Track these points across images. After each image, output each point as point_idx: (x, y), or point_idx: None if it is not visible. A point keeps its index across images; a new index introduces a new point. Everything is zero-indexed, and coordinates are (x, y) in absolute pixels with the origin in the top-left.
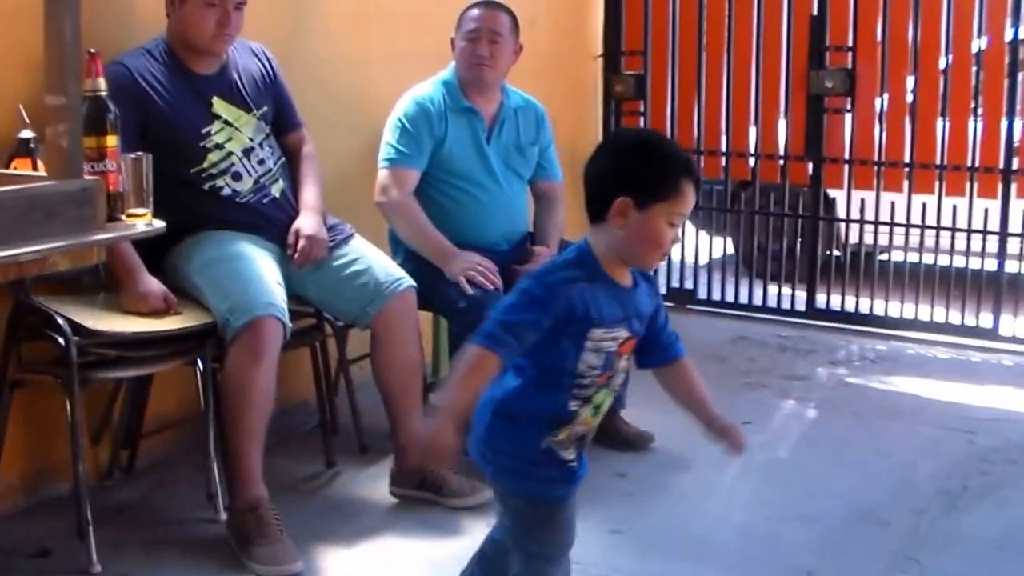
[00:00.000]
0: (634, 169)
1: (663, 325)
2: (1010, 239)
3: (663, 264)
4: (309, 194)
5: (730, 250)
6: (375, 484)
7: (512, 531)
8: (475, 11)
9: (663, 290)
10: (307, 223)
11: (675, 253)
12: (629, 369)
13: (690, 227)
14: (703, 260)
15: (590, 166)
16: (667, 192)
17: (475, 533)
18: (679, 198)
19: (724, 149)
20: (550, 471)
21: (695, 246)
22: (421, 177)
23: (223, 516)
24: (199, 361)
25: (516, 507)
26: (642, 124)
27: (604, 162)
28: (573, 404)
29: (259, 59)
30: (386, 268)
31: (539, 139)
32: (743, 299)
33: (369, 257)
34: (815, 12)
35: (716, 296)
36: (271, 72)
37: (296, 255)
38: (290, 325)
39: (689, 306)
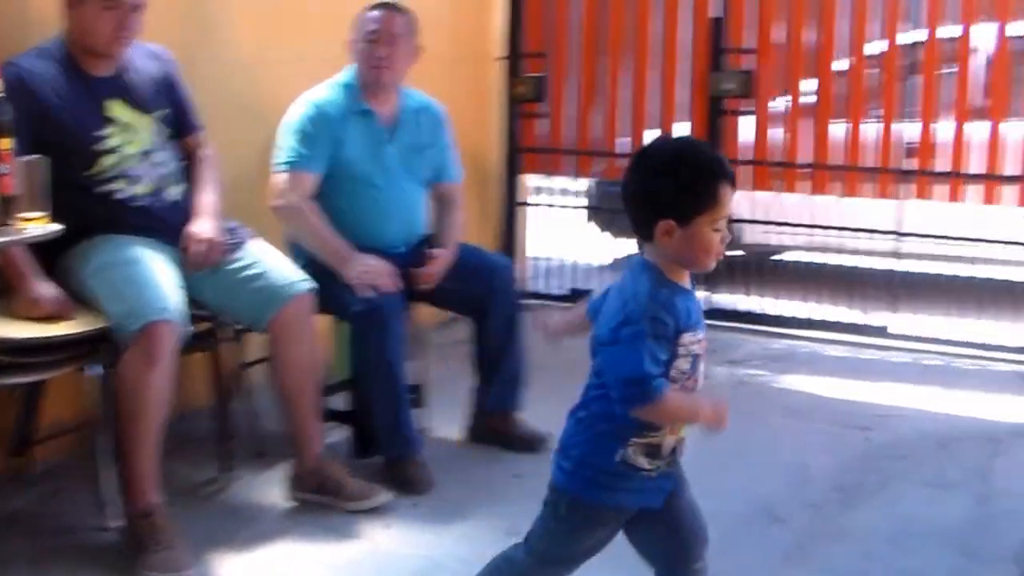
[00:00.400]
0: (669, 192)
1: None
2: (904, 239)
3: (568, 265)
4: (206, 197)
5: (632, 251)
6: (272, 488)
7: (535, 527)
8: (373, 13)
9: (565, 292)
10: (204, 226)
11: (577, 255)
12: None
13: (593, 228)
14: (606, 261)
15: (626, 188)
16: (705, 205)
17: (373, 536)
18: (718, 206)
19: (624, 151)
20: (625, 483)
21: (595, 247)
22: (320, 180)
23: (113, 524)
24: (93, 367)
25: (559, 506)
26: (541, 127)
27: (639, 185)
28: None
29: (158, 61)
30: (283, 271)
31: (438, 141)
32: None
33: (266, 260)
34: (715, 15)
35: None
36: (170, 75)
37: (192, 258)
38: (186, 329)
39: None
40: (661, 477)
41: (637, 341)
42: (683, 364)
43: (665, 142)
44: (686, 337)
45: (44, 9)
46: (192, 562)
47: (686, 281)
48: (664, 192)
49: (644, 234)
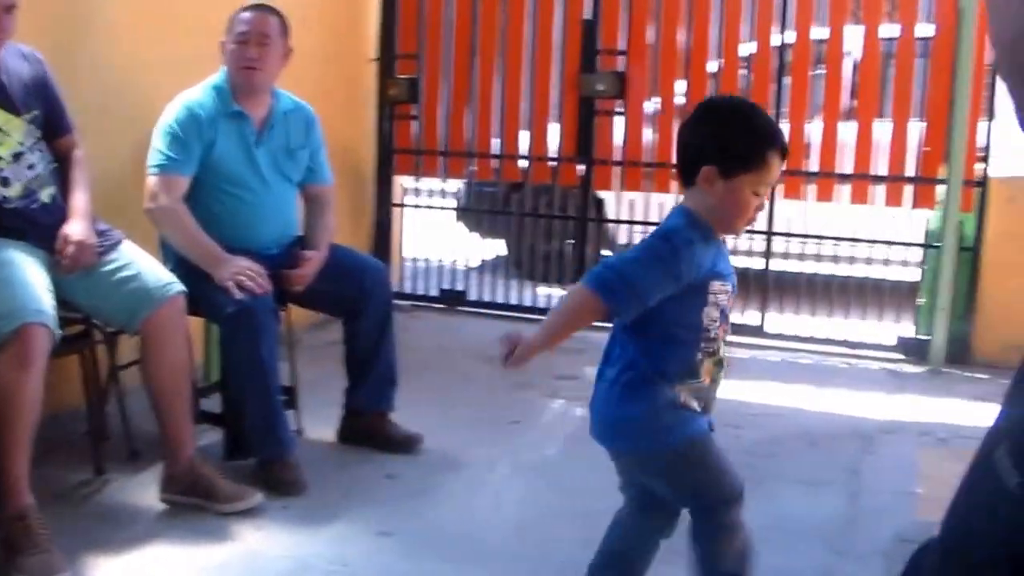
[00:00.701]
0: (722, 140)
1: None
2: (775, 238)
3: (434, 266)
4: (78, 199)
5: (501, 252)
6: (146, 490)
7: (678, 495)
8: (244, 14)
9: (434, 292)
10: (76, 229)
11: (446, 255)
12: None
13: (462, 229)
14: (474, 262)
15: (682, 131)
16: (751, 164)
17: (245, 538)
18: (764, 169)
19: (496, 151)
20: (683, 415)
21: (466, 248)
22: (191, 182)
23: None
24: None
25: (669, 465)
26: (414, 128)
27: (695, 129)
28: (700, 356)
29: (29, 62)
30: (156, 274)
31: (309, 142)
32: (514, 300)
33: (139, 263)
34: (588, 16)
35: (487, 297)
36: (42, 76)
37: (65, 261)
38: (59, 332)
39: (459, 307)
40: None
41: (646, 251)
42: (713, 312)
43: (729, 98)
44: (715, 285)
45: None
46: (66, 565)
47: (720, 235)
48: (718, 139)
49: (688, 177)
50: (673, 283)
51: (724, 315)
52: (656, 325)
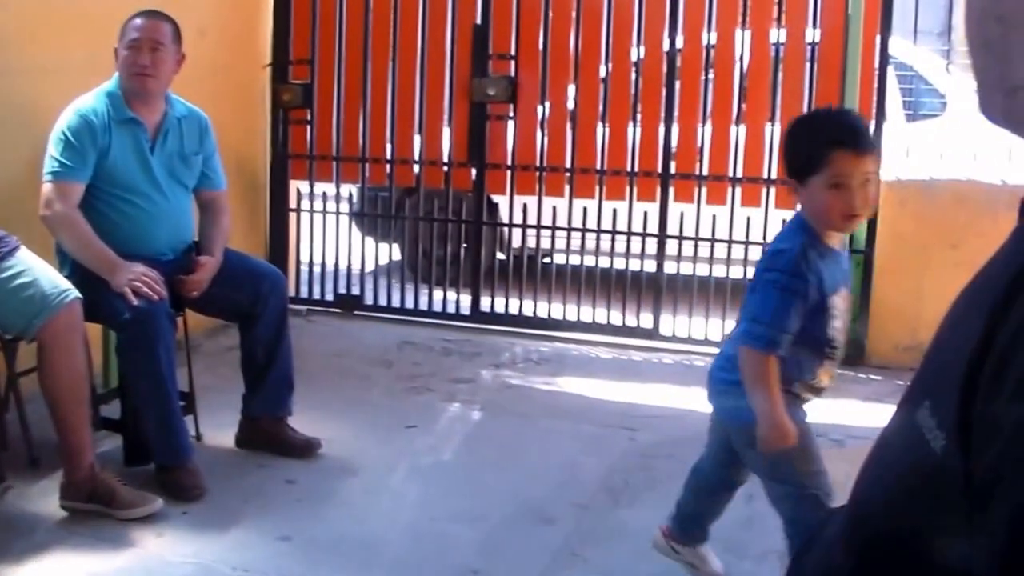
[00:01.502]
0: (787, 153)
1: None
2: (668, 241)
3: (330, 271)
4: None
5: (396, 256)
6: (46, 498)
7: (776, 483)
8: (137, 20)
9: (330, 297)
10: None
11: (341, 260)
12: None
13: (356, 233)
14: (369, 266)
15: None
16: (815, 166)
17: (146, 544)
18: (831, 166)
19: (389, 156)
20: (793, 408)
21: (361, 252)
22: (86, 189)
23: None
24: None
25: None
26: (309, 133)
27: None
28: (819, 362)
29: None
30: (52, 280)
31: (203, 148)
32: (409, 304)
33: (35, 269)
34: (478, 21)
35: (382, 302)
36: None
37: None
38: None
39: (355, 312)
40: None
41: (773, 289)
42: (837, 323)
43: (808, 111)
44: (835, 299)
45: None
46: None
47: (835, 240)
48: (785, 154)
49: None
50: (803, 302)
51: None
52: (792, 344)
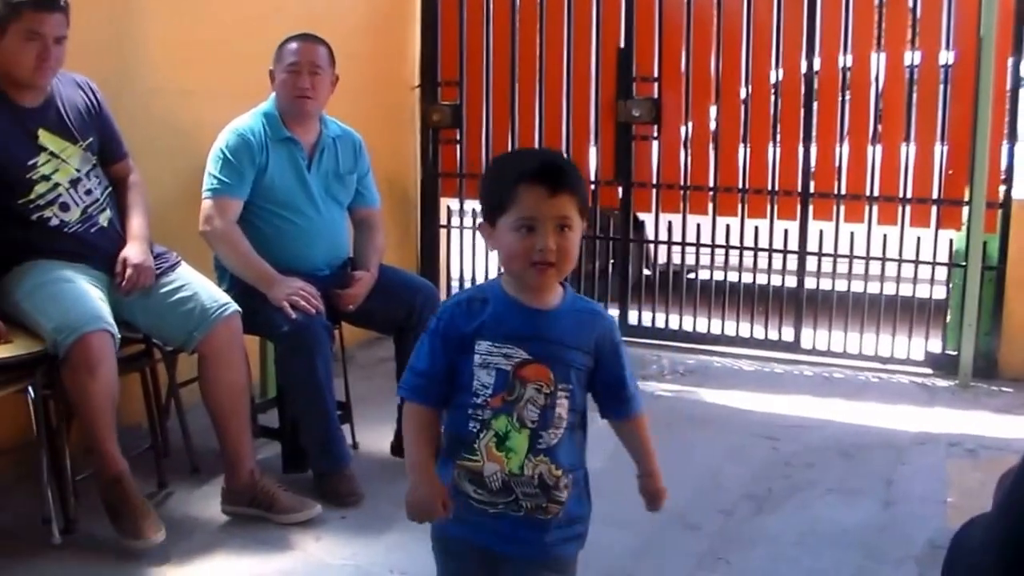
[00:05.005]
0: (479, 195)
1: (620, 378)
2: (808, 257)
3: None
4: (136, 223)
5: None
6: (207, 503)
7: None
8: (293, 44)
9: None
10: (134, 252)
11: (491, 274)
12: (562, 416)
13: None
14: None
15: None
16: (504, 205)
17: (305, 547)
18: (518, 203)
19: None
20: (455, 505)
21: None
22: (244, 206)
23: (59, 540)
24: (30, 388)
25: (432, 542)
26: (458, 152)
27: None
28: (472, 425)
29: (84, 91)
30: (211, 294)
31: (357, 167)
32: None
33: (195, 283)
34: (623, 45)
35: None
36: (96, 103)
37: (123, 283)
38: (118, 336)
39: None
40: (503, 519)
41: (424, 335)
42: (483, 376)
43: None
44: (483, 344)
45: None
46: (161, 527)
47: (532, 299)
48: (479, 196)
49: None
50: (440, 343)
51: (502, 383)
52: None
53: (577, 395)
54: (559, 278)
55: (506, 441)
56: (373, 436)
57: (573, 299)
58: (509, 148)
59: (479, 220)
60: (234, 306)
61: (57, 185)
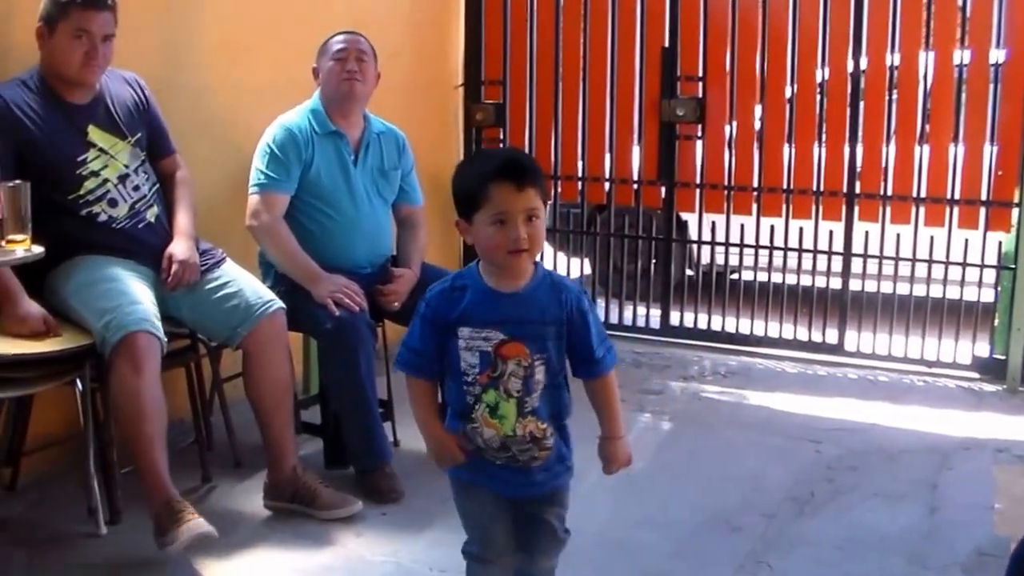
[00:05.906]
0: (453, 194)
1: (587, 343)
2: (853, 259)
3: None
4: (182, 219)
5: (587, 271)
6: (249, 497)
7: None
8: (339, 37)
9: None
10: (180, 248)
11: None
12: (540, 380)
13: (548, 249)
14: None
15: None
16: (478, 202)
17: (346, 543)
18: (490, 201)
19: (580, 174)
20: (470, 453)
21: (552, 267)
22: (290, 201)
23: (104, 531)
24: (78, 381)
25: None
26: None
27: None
28: (468, 399)
29: (132, 87)
30: (256, 290)
31: (402, 164)
32: (600, 318)
33: (240, 280)
34: (667, 44)
35: None
36: (144, 100)
37: (169, 279)
38: (164, 339)
39: None
40: (506, 469)
41: (416, 318)
42: (469, 357)
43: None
44: (465, 331)
45: (22, 40)
46: (210, 526)
47: (503, 284)
48: (453, 195)
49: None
50: (429, 328)
51: (486, 362)
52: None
53: (553, 359)
54: (532, 260)
55: (497, 410)
56: (414, 434)
57: (544, 275)
58: (552, 148)
59: (455, 218)
60: (278, 303)
61: (106, 181)
